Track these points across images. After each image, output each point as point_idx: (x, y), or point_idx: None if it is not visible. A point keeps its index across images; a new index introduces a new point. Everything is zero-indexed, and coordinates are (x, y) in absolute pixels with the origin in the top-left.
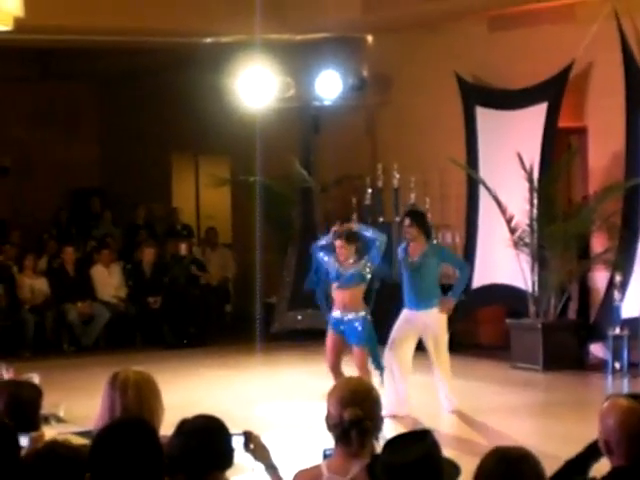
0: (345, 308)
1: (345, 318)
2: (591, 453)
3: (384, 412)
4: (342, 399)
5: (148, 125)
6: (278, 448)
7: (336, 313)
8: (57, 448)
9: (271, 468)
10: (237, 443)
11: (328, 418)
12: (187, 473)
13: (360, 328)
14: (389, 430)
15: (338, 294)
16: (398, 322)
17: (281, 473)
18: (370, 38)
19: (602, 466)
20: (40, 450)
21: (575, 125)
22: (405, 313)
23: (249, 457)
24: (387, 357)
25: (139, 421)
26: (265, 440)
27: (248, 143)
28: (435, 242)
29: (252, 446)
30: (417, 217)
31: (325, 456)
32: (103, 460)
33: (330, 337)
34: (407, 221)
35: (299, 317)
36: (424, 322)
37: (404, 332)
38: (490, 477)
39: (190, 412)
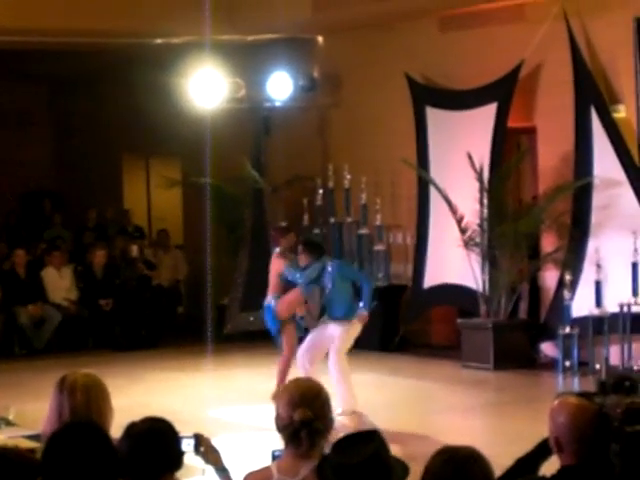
0: None
1: None
2: (541, 451)
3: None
4: (292, 400)
5: (99, 127)
6: (229, 450)
7: None
8: (7, 453)
9: (222, 471)
10: (187, 446)
11: (278, 419)
12: (136, 476)
13: None
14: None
15: None
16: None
17: (232, 475)
18: (320, 39)
19: (551, 465)
20: None
21: (525, 125)
22: None
23: (200, 460)
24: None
25: (91, 423)
26: (216, 443)
27: (199, 144)
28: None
29: (202, 449)
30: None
31: (274, 457)
32: (55, 463)
33: None
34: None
35: (251, 318)
36: None
37: None
38: (438, 477)
39: (140, 415)
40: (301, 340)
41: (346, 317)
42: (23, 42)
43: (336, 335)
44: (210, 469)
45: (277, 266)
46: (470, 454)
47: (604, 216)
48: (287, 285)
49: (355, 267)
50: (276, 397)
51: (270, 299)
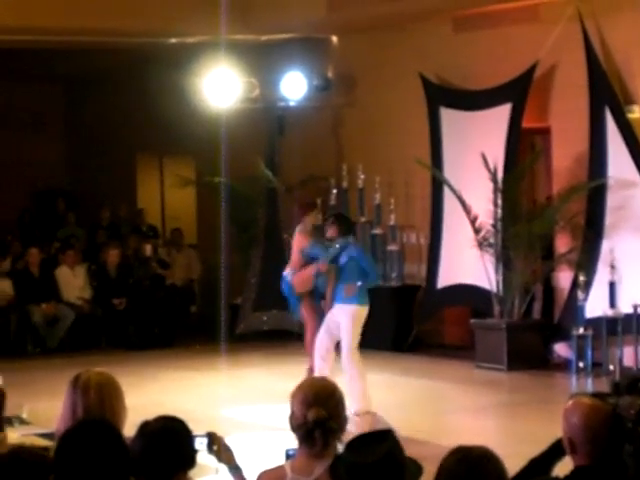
0: None
1: None
2: (555, 452)
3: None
4: (306, 399)
5: (113, 126)
6: (243, 449)
7: None
8: (21, 452)
9: (235, 469)
10: (200, 445)
11: (292, 418)
12: (149, 475)
13: None
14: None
15: None
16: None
17: (245, 474)
18: (335, 38)
19: (565, 465)
20: (3, 455)
21: (539, 126)
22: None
23: (213, 458)
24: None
25: (103, 422)
26: (229, 442)
27: (213, 144)
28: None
29: (215, 447)
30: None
31: (288, 456)
32: (68, 462)
33: None
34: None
35: (264, 318)
36: None
37: None
38: (451, 476)
39: (153, 413)
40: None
41: (350, 302)
42: (37, 42)
43: (342, 327)
44: (223, 468)
45: (299, 243)
46: (484, 454)
47: (618, 217)
48: (308, 262)
49: (373, 262)
50: (292, 393)
51: (288, 271)
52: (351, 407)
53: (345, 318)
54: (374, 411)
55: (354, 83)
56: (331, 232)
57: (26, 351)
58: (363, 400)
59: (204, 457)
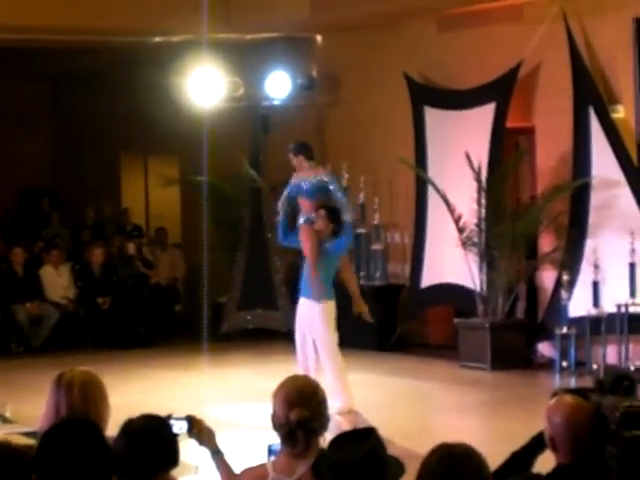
0: None
1: None
2: (536, 445)
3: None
4: (288, 399)
5: (97, 125)
6: (227, 448)
7: None
8: (2, 449)
9: (216, 454)
10: (180, 430)
11: (274, 418)
12: (132, 473)
13: None
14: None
15: None
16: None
17: (227, 458)
18: (319, 38)
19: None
20: None
21: (523, 125)
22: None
23: (194, 442)
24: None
25: (85, 420)
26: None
27: (197, 143)
28: None
29: (196, 430)
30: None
31: (270, 451)
32: (49, 460)
33: None
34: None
35: (249, 317)
36: None
37: None
38: (433, 473)
39: (137, 412)
40: None
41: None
42: (22, 40)
43: (315, 323)
44: (204, 458)
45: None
46: (466, 451)
47: (602, 216)
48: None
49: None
50: (274, 392)
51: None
52: (333, 406)
53: (317, 316)
54: (356, 410)
55: (338, 82)
56: (319, 225)
57: (10, 350)
58: (346, 399)
59: (184, 456)
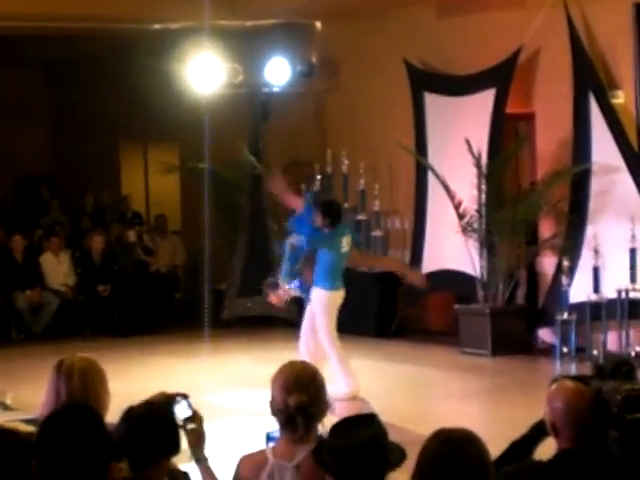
0: None
1: None
2: (537, 433)
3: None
4: (287, 384)
5: (96, 112)
6: (226, 435)
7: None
8: (3, 435)
9: (201, 460)
10: (181, 412)
11: (272, 403)
12: (133, 460)
13: None
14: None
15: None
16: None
17: (211, 465)
18: (318, 24)
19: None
20: None
21: (523, 111)
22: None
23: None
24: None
25: (85, 406)
26: (213, 427)
27: (197, 130)
28: None
29: (195, 425)
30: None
31: (268, 438)
32: (49, 447)
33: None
34: None
35: (249, 304)
36: None
37: None
38: (433, 458)
39: (137, 399)
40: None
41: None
42: (19, 28)
43: (316, 313)
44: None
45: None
46: (465, 436)
47: (602, 202)
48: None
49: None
50: (272, 378)
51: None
52: (338, 392)
53: (318, 307)
54: (361, 397)
55: (338, 69)
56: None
57: (10, 338)
58: (351, 384)
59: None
